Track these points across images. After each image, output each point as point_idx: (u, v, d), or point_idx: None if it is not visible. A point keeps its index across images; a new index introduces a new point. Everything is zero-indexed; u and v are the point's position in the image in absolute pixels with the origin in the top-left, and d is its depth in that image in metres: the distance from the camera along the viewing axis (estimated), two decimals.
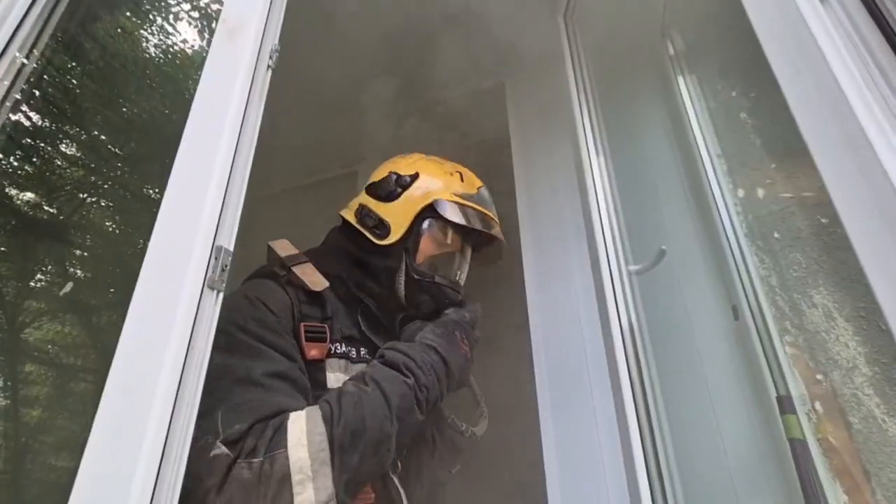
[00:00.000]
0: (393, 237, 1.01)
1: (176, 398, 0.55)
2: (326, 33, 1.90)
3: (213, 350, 0.76)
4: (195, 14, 2.56)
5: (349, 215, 1.10)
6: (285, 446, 0.70)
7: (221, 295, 0.64)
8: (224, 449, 0.69)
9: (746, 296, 1.11)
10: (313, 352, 0.89)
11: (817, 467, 0.93)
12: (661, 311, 1.18)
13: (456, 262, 1.11)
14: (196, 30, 2.55)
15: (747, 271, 1.13)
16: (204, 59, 0.82)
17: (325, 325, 0.94)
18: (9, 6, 1.14)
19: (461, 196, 1.06)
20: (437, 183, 1.06)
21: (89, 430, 0.56)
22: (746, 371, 1.09)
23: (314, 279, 0.96)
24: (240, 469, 0.68)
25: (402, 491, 0.91)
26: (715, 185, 1.24)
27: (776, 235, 1.15)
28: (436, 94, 2.13)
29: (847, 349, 1.00)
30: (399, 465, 0.94)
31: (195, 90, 0.77)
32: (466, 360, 0.98)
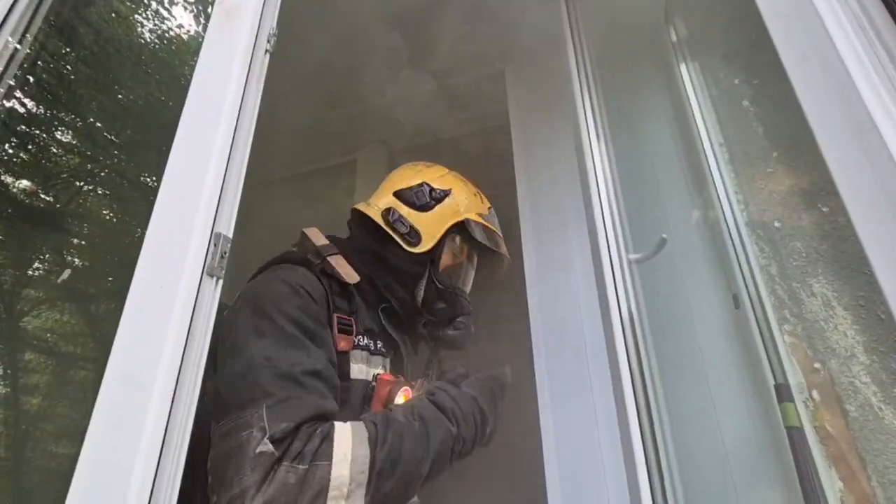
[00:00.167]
0: (424, 246, 1.07)
1: (176, 387, 0.54)
2: (325, 17, 1.87)
3: (251, 334, 0.79)
4: None
5: (373, 213, 1.11)
6: (330, 459, 0.72)
7: (221, 282, 0.63)
8: (271, 447, 0.69)
9: (746, 285, 1.11)
10: (342, 343, 0.92)
11: (814, 455, 0.94)
12: (661, 299, 1.18)
13: (467, 272, 1.19)
14: (192, 14, 2.51)
15: (747, 260, 1.13)
16: (201, 44, 0.80)
17: (353, 318, 0.97)
18: None
19: (483, 217, 1.15)
20: (467, 202, 1.14)
21: (89, 418, 0.56)
22: (745, 360, 1.10)
23: (348, 271, 1.00)
24: (285, 472, 0.69)
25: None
26: (716, 174, 1.24)
27: (777, 224, 1.15)
28: (437, 81, 2.11)
29: (845, 338, 1.00)
30: None
31: (192, 76, 0.75)
32: (497, 421, 0.98)
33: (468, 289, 1.19)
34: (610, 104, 1.30)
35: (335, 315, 0.93)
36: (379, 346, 1.02)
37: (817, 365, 1.02)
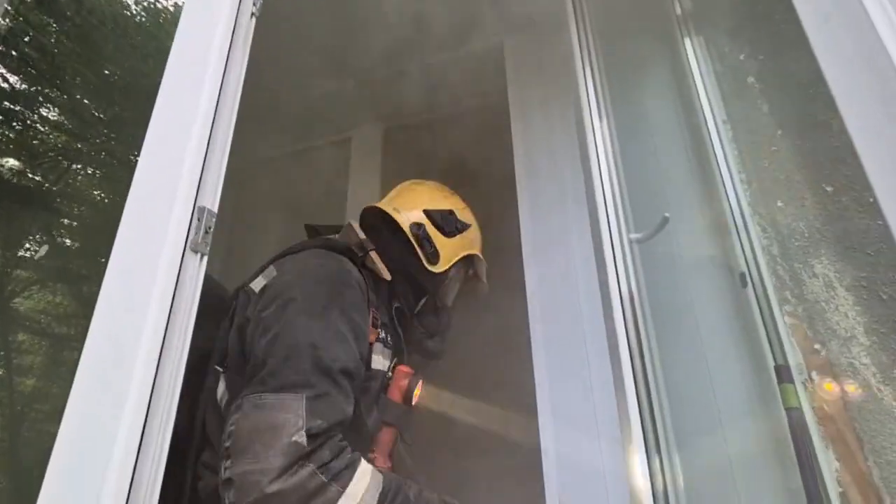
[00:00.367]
0: (440, 268, 1.18)
1: (157, 367, 0.52)
2: None
3: (303, 313, 0.84)
4: None
5: (403, 223, 1.17)
6: (344, 489, 0.76)
7: (206, 259, 0.60)
8: (305, 440, 0.73)
9: (748, 265, 1.10)
10: (371, 336, 0.99)
11: (811, 435, 0.94)
12: (661, 279, 1.17)
13: (455, 294, 1.32)
14: None
15: (749, 240, 1.11)
16: None
17: (378, 313, 1.05)
18: None
19: (481, 252, 1.31)
20: (477, 239, 1.30)
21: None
22: (745, 340, 1.09)
23: (383, 268, 1.09)
24: (309, 475, 0.72)
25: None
26: (720, 152, 1.21)
27: (779, 204, 1.13)
28: (433, 54, 2.04)
29: (846, 319, 0.99)
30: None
31: None
32: None
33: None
34: (612, 79, 1.26)
35: (371, 309, 1.00)
36: (390, 340, 1.08)
37: (817, 346, 1.01)
